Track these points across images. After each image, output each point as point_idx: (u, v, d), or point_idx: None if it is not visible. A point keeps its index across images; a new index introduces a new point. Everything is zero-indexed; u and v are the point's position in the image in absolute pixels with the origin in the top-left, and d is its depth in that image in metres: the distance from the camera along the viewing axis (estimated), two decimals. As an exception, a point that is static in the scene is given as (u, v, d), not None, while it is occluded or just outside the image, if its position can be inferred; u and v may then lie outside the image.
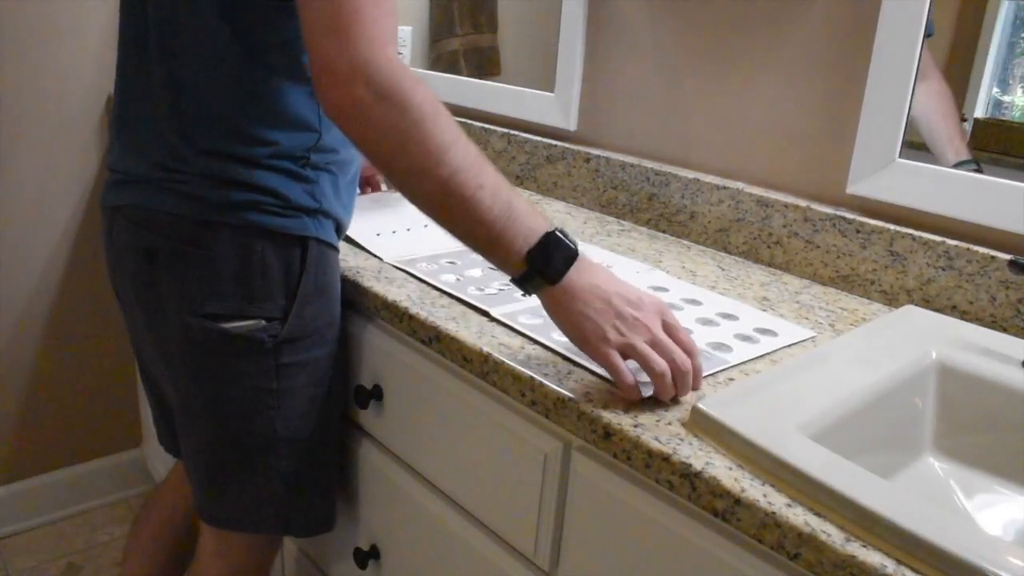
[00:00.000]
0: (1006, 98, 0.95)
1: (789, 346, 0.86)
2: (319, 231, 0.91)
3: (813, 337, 0.89)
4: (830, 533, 0.56)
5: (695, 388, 0.74)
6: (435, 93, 0.75)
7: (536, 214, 0.76)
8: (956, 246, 0.95)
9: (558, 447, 0.77)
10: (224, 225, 0.86)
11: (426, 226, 1.18)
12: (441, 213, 0.76)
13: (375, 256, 1.05)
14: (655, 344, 0.72)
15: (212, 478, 0.98)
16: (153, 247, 0.90)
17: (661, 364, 0.71)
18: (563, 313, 0.75)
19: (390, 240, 1.10)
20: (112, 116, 0.96)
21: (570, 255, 0.75)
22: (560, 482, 0.77)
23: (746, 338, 0.87)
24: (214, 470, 0.97)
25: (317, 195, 0.90)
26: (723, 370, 0.79)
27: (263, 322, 0.89)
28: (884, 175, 1.01)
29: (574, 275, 0.74)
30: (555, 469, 0.77)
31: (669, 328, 0.74)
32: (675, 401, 0.73)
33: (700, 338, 0.85)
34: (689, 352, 0.73)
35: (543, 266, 0.74)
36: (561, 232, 0.76)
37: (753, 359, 0.82)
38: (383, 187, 1.35)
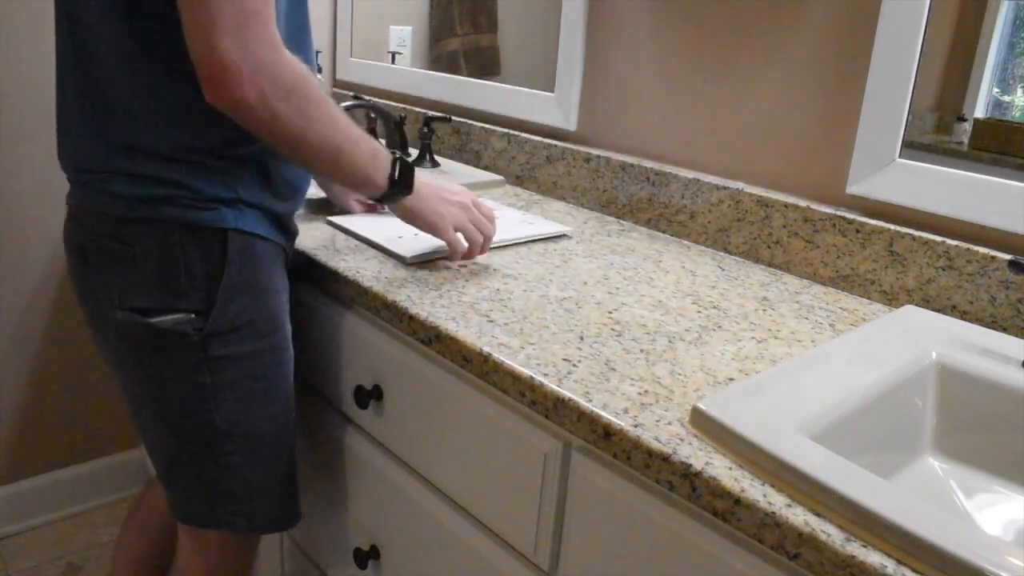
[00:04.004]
0: (1006, 98, 0.95)
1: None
2: (239, 222, 0.91)
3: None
4: (830, 533, 0.56)
5: (482, 252, 1.05)
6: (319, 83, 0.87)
7: (382, 149, 0.95)
8: (956, 246, 0.95)
9: (558, 447, 0.77)
10: (143, 220, 0.89)
11: None
12: (333, 169, 0.92)
13: (397, 256, 1.05)
14: (474, 221, 1.02)
15: (168, 474, 0.99)
16: (84, 245, 0.92)
17: (477, 236, 1.02)
18: (421, 210, 0.99)
19: (415, 241, 1.10)
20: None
21: (412, 171, 0.98)
22: (560, 482, 0.78)
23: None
24: (168, 466, 0.98)
25: (235, 186, 0.91)
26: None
27: (191, 315, 0.90)
28: (884, 175, 1.01)
29: (419, 185, 0.99)
30: (555, 469, 0.77)
31: (479, 206, 1.04)
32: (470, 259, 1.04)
33: None
34: (490, 220, 1.04)
35: (401, 186, 0.97)
36: (397, 155, 0.97)
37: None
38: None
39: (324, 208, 1.25)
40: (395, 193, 0.97)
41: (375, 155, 0.94)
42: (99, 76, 0.88)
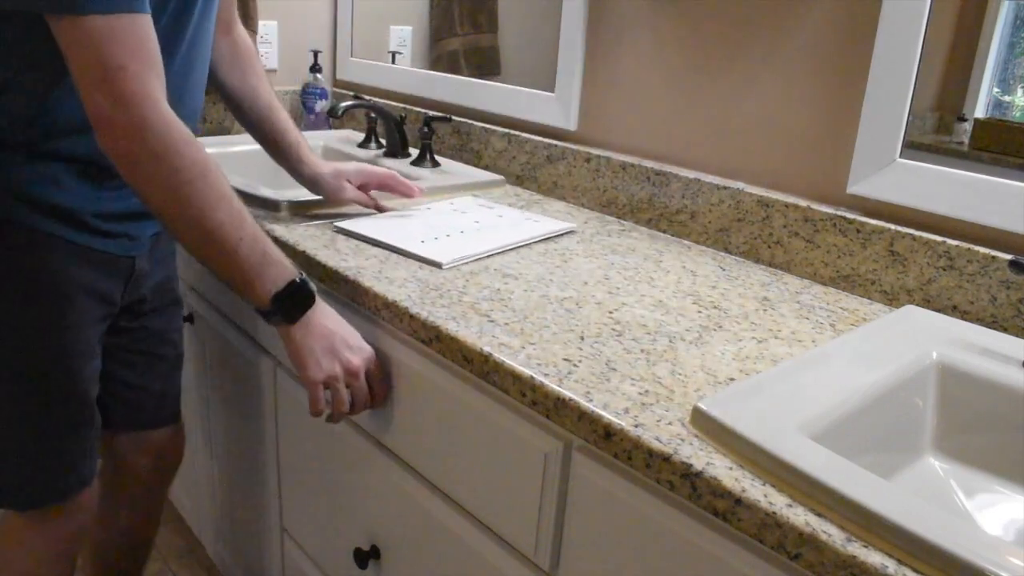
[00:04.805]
0: (1006, 98, 0.95)
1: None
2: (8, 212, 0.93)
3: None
4: (831, 533, 0.56)
5: (378, 407, 0.97)
6: (205, 153, 0.85)
7: (284, 263, 0.90)
8: (957, 246, 0.95)
9: (558, 447, 0.77)
10: None
11: (477, 222, 1.23)
12: (205, 257, 0.88)
13: (431, 262, 1.04)
14: (353, 389, 0.93)
15: None
16: None
17: (344, 405, 0.93)
18: (294, 345, 0.90)
19: (436, 245, 1.10)
20: None
21: (308, 301, 0.91)
22: (560, 482, 0.78)
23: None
24: None
25: (12, 177, 0.92)
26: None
27: None
28: (884, 175, 1.01)
29: (308, 316, 0.90)
30: (555, 469, 0.77)
31: (370, 375, 0.94)
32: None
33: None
34: (376, 396, 0.95)
35: (286, 308, 0.89)
36: (302, 280, 0.91)
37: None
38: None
39: (303, 209, 1.25)
40: (275, 315, 0.90)
41: (266, 264, 0.88)
42: None
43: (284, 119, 1.20)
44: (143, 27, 0.81)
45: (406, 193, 1.25)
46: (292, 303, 0.90)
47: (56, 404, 1.02)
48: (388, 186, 1.24)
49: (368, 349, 0.94)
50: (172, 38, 0.95)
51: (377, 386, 0.95)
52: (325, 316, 0.92)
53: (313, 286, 0.92)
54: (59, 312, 0.98)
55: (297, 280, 0.90)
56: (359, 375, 0.93)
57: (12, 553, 1.07)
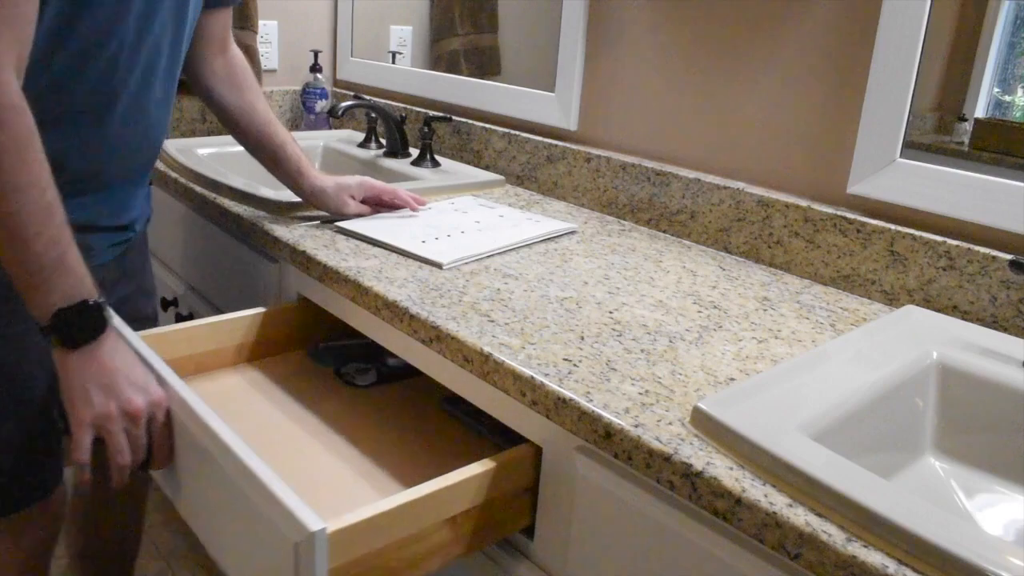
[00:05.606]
0: (1007, 98, 0.95)
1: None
2: None
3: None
4: (831, 533, 0.56)
5: (159, 467, 0.83)
6: (30, 129, 0.76)
7: (83, 280, 0.79)
8: (957, 246, 0.95)
9: (311, 536, 0.63)
10: None
11: (477, 222, 1.23)
12: None
13: (432, 262, 1.04)
14: (130, 436, 0.80)
15: None
16: None
17: (124, 456, 0.80)
18: (67, 377, 0.79)
19: (437, 245, 1.10)
20: None
21: (98, 328, 0.79)
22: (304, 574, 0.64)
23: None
24: None
25: None
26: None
27: None
28: (885, 175, 1.01)
29: (93, 347, 0.79)
30: (309, 558, 0.64)
31: (154, 424, 0.81)
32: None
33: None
34: (156, 453, 0.82)
35: (65, 328, 0.78)
36: (98, 304, 0.80)
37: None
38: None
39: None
40: (53, 332, 0.78)
41: (61, 271, 0.78)
42: None
43: (282, 133, 1.19)
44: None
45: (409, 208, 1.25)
46: (76, 326, 0.79)
47: (9, 412, 0.97)
48: (392, 205, 1.24)
49: (159, 393, 0.81)
50: (133, 50, 0.93)
51: (160, 440, 0.82)
52: (114, 352, 0.80)
53: (111, 317, 0.82)
54: (7, 320, 0.93)
55: (91, 302, 0.79)
56: (139, 419, 0.79)
57: None
